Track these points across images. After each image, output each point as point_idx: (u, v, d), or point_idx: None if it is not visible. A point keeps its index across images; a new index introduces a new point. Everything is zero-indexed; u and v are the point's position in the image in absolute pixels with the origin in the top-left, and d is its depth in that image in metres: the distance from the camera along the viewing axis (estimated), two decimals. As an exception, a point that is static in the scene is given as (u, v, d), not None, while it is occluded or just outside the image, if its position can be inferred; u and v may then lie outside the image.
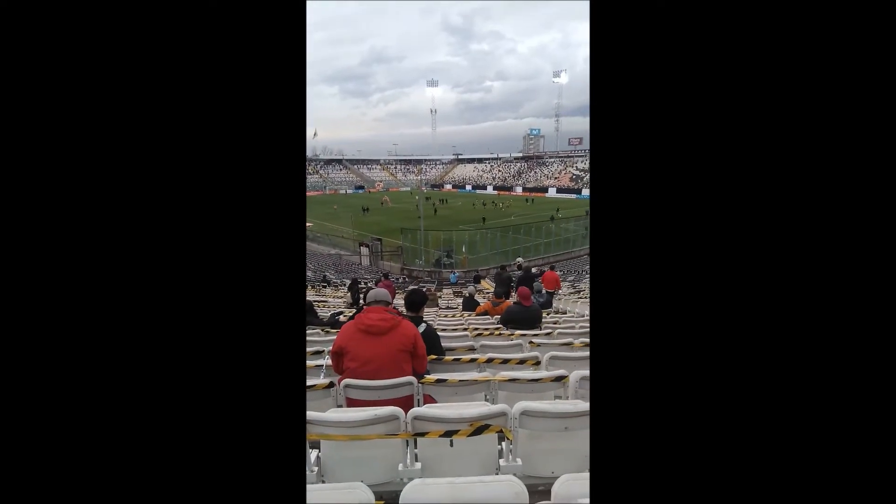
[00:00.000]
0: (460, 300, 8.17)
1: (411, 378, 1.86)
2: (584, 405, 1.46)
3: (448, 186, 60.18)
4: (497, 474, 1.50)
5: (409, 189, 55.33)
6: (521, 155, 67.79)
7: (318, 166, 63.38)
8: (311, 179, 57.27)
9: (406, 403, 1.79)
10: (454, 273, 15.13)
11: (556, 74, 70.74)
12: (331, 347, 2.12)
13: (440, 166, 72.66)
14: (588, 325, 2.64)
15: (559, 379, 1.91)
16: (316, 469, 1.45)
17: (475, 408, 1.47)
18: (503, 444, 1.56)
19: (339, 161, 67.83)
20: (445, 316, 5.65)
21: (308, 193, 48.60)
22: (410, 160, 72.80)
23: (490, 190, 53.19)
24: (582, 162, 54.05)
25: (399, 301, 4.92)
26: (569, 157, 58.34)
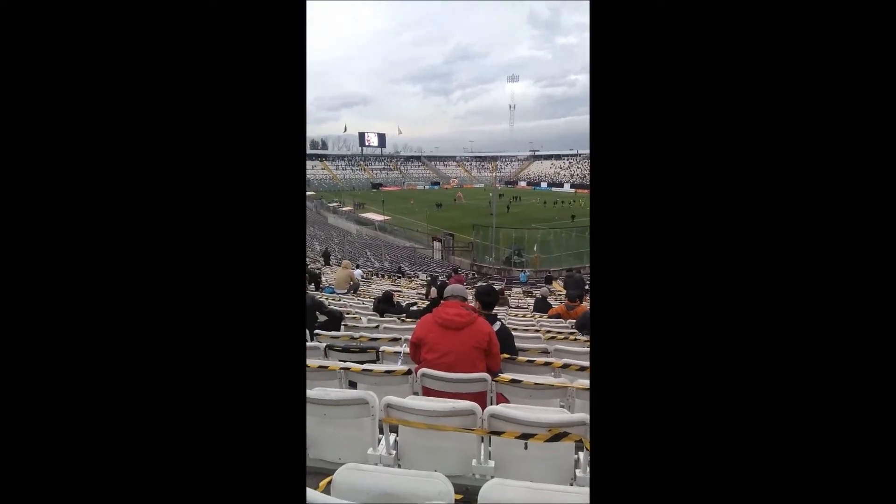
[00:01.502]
0: (531, 300, 7.98)
1: (485, 374, 1.86)
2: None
3: (522, 184, 58.89)
4: (572, 485, 1.44)
5: (482, 186, 55.31)
6: (603, 151, 63.45)
7: (399, 163, 66.30)
8: (392, 175, 60.13)
9: (479, 399, 1.80)
10: (524, 272, 14.81)
11: (650, 63, 64.68)
12: (408, 336, 2.21)
13: (516, 163, 71.38)
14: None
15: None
16: (394, 452, 1.52)
17: (553, 413, 1.42)
18: (580, 454, 1.49)
19: (418, 158, 70.19)
20: (516, 316, 5.56)
21: (388, 188, 51.08)
22: (486, 157, 72.67)
23: (567, 188, 50.88)
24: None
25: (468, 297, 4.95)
26: (659, 153, 53.07)
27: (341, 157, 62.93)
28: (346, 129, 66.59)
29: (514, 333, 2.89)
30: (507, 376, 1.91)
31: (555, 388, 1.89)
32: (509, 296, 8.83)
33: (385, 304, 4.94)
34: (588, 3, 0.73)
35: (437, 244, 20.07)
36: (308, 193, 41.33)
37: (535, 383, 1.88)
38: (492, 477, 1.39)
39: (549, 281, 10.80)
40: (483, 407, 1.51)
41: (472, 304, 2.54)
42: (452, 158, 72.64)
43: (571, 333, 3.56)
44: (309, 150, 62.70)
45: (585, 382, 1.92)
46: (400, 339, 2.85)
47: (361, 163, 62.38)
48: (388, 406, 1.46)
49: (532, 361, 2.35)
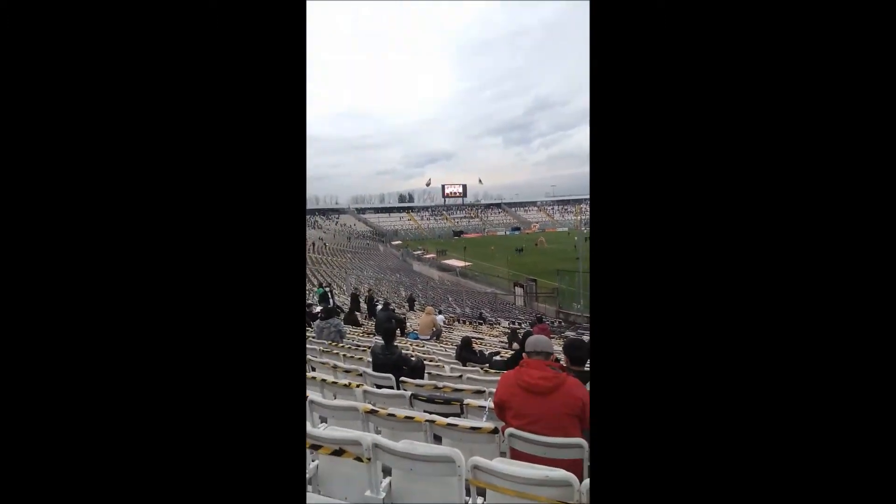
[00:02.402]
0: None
1: (582, 441, 1.68)
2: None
3: (610, 226, 55.71)
4: None
5: (566, 229, 53.65)
6: (703, 188, 57.79)
7: (479, 210, 68.14)
8: (473, 223, 61.81)
9: (575, 467, 1.62)
10: (618, 322, 13.52)
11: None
12: (493, 388, 2.12)
13: (601, 205, 68.35)
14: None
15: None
16: (482, 519, 1.42)
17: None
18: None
19: (498, 205, 71.46)
20: (611, 371, 5.03)
21: (469, 235, 52.41)
22: (569, 200, 71.07)
23: (662, 229, 46.64)
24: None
25: (556, 347, 4.66)
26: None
27: (425, 209, 66.90)
28: (429, 184, 71.09)
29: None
30: (605, 444, 1.70)
31: (666, 463, 1.62)
32: (601, 348, 8.08)
33: (466, 352, 4.88)
34: (588, 3, 0.75)
35: (518, 290, 19.61)
36: (395, 242, 44.27)
37: (641, 456, 1.64)
38: (594, 566, 1.20)
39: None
40: (580, 477, 1.35)
41: (559, 358, 2.37)
42: (533, 203, 72.43)
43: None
44: (398, 204, 68.11)
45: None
46: (484, 391, 2.76)
47: (444, 212, 65.47)
48: (475, 467, 1.39)
49: (635, 428, 2.07)
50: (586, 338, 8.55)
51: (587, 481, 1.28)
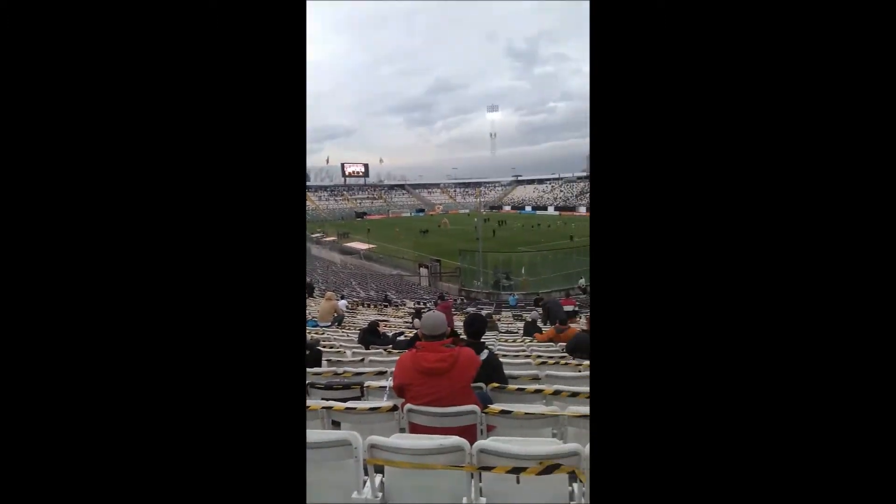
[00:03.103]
0: (521, 324, 7.92)
1: (475, 407, 1.80)
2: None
3: (507, 208, 59.94)
4: (568, 520, 1.37)
5: (467, 211, 56.00)
6: (584, 174, 65.61)
7: (382, 191, 66.82)
8: (376, 204, 60.42)
9: (469, 432, 1.73)
10: (513, 296, 14.79)
11: (620, 91, 67.90)
12: (393, 371, 2.13)
13: (499, 188, 72.82)
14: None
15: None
16: (381, 495, 1.43)
17: (545, 445, 1.37)
18: (574, 485, 1.43)
19: (402, 186, 70.98)
20: (506, 341, 5.49)
21: (372, 217, 51.22)
22: (469, 183, 73.95)
23: (551, 210, 51.95)
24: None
25: (458, 323, 4.89)
26: (636, 175, 55.10)
27: (324, 188, 63.09)
28: (328, 161, 67.14)
29: (504, 360, 2.84)
30: (496, 407, 1.85)
31: (546, 416, 1.83)
32: (498, 320, 8.76)
33: (371, 336, 4.83)
34: (588, 3, 0.73)
35: (423, 270, 19.98)
36: (292, 225, 40.89)
37: (526, 413, 1.82)
38: (484, 517, 1.31)
39: (538, 304, 10.78)
40: (474, 440, 1.45)
41: (455, 331, 2.47)
42: (437, 186, 73.68)
43: (563, 357, 3.52)
44: (293, 182, 62.60)
45: (577, 409, 1.87)
46: (386, 371, 2.76)
47: (345, 193, 62.63)
48: (373, 446, 1.39)
49: (523, 389, 2.30)
50: (484, 312, 9.11)
51: (478, 443, 1.37)
